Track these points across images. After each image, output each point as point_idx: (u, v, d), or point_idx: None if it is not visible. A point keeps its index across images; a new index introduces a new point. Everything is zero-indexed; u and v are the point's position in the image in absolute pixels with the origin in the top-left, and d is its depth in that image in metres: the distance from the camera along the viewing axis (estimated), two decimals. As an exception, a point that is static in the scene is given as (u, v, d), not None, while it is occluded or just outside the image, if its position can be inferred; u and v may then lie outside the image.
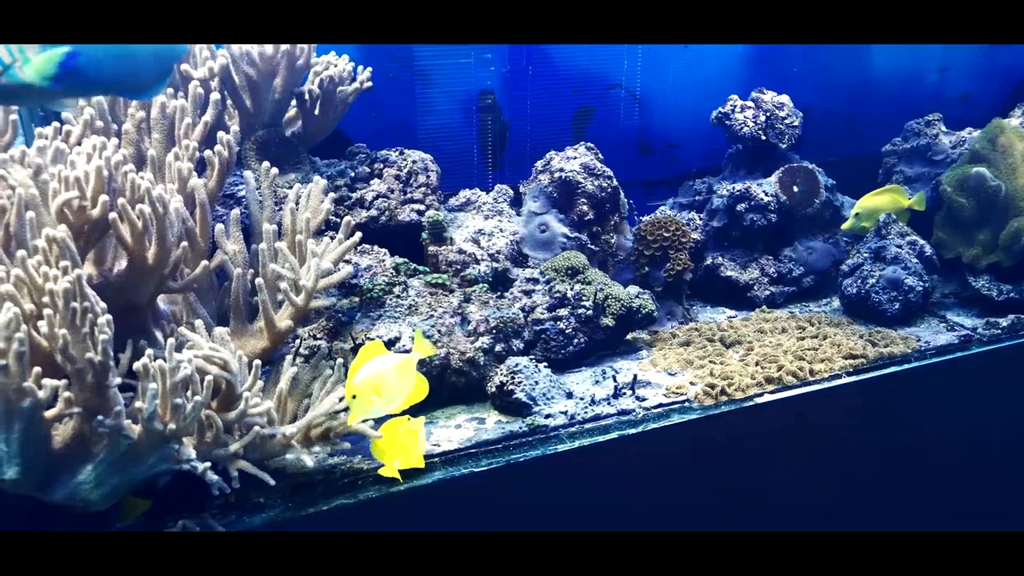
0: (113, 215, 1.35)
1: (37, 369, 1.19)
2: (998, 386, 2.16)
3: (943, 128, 2.58)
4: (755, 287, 2.37)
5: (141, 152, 1.70)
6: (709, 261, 2.41)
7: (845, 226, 2.37)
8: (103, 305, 1.26)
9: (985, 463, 2.26)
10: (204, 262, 1.55)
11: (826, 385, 1.93)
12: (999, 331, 2.17)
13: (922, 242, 2.27)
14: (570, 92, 2.67)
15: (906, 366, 2.01)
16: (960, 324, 2.23)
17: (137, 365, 1.24)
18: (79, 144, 1.48)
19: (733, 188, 2.37)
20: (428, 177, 2.13)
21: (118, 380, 1.27)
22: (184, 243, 1.50)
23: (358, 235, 1.73)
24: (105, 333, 1.21)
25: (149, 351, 1.24)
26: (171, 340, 1.24)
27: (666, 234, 2.24)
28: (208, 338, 1.47)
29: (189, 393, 1.30)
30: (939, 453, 2.16)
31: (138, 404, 1.26)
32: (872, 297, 2.20)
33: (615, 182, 2.30)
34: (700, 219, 2.45)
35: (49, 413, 1.23)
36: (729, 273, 2.38)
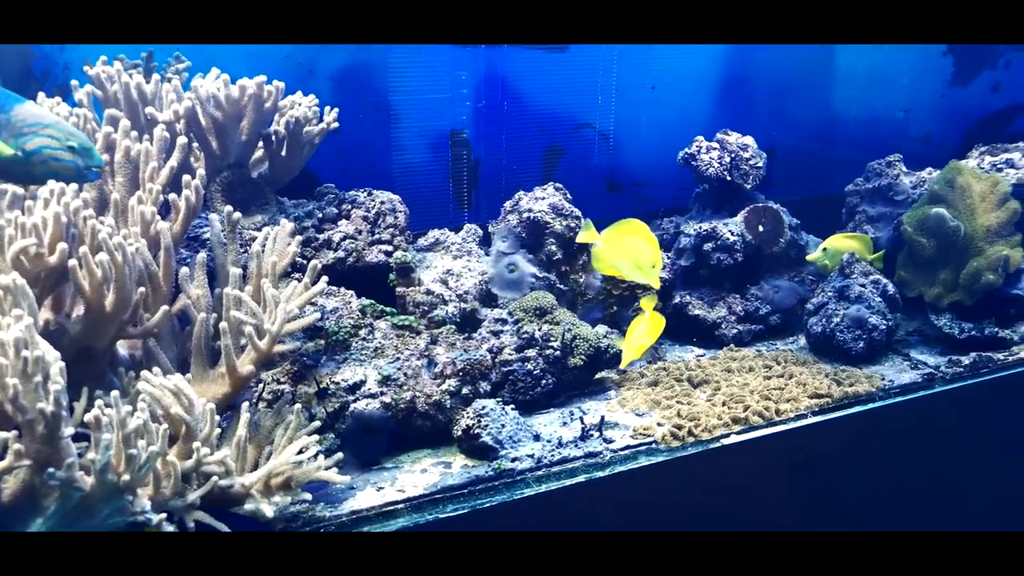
0: (72, 263, 1.35)
1: (-15, 421, 1.17)
2: (962, 424, 2.20)
3: (904, 168, 2.65)
4: (722, 325, 2.40)
5: (104, 195, 1.70)
6: (677, 300, 2.44)
7: (810, 257, 2.41)
8: (56, 353, 1.24)
9: (950, 501, 2.29)
10: (164, 307, 1.55)
11: (792, 425, 1.95)
12: (961, 369, 2.21)
13: (885, 281, 2.32)
14: (539, 131, 2.71)
15: (871, 405, 2.04)
16: (923, 362, 2.27)
17: (89, 416, 1.22)
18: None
19: (700, 227, 2.41)
20: (396, 218, 2.14)
21: (71, 430, 1.25)
22: (143, 289, 1.50)
23: (325, 279, 1.73)
24: (58, 383, 1.20)
25: (100, 401, 1.23)
26: (115, 393, 1.23)
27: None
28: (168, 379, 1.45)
29: (144, 443, 1.28)
30: (905, 492, 2.19)
31: (91, 455, 1.24)
32: (837, 336, 2.23)
33: (583, 222, 2.33)
34: (668, 258, 2.49)
35: (-1, 465, 1.21)
36: (697, 312, 2.41)
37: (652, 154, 2.83)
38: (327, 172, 2.43)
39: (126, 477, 1.26)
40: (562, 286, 2.29)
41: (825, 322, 2.26)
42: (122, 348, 1.63)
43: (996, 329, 2.29)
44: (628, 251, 1.81)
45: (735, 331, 2.40)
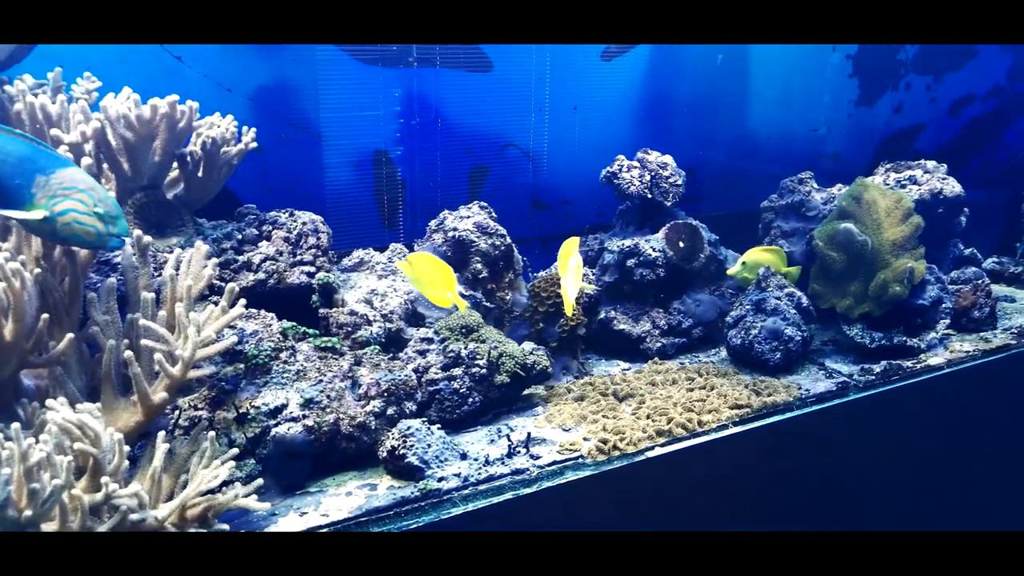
0: (-35, 291, 1.30)
1: None
2: (875, 430, 2.30)
3: (815, 185, 2.78)
4: (647, 339, 2.46)
5: (5, 220, 1.63)
6: (603, 315, 2.49)
7: (731, 271, 2.50)
8: (-50, 387, 1.19)
9: (867, 505, 2.39)
10: (69, 335, 1.50)
11: (714, 436, 2.01)
12: (873, 377, 2.32)
13: (799, 294, 2.42)
14: (465, 151, 2.74)
15: (789, 414, 2.12)
16: (838, 371, 2.37)
17: (-13, 450, 1.17)
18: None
19: (623, 244, 2.48)
20: (319, 238, 2.13)
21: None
22: (45, 316, 1.45)
23: (243, 302, 1.70)
24: (-50, 419, 1.15)
25: None
26: (15, 426, 1.18)
27: (559, 290, 2.30)
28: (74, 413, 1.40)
29: (48, 476, 1.23)
30: (822, 496, 2.28)
31: (-12, 492, 1.19)
32: (755, 347, 2.32)
33: (509, 240, 2.37)
34: (593, 274, 2.54)
35: None
36: (622, 327, 2.47)
37: (576, 173, 2.89)
38: (250, 192, 2.40)
39: (28, 512, 1.22)
40: (488, 304, 2.31)
41: (744, 334, 2.34)
42: (27, 377, 1.57)
43: (904, 338, 2.42)
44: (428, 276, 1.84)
45: (659, 344, 2.46)
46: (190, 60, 2.28)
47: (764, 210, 2.82)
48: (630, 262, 2.46)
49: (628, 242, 2.48)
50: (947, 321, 2.47)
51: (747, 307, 2.38)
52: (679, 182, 2.57)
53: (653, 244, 2.48)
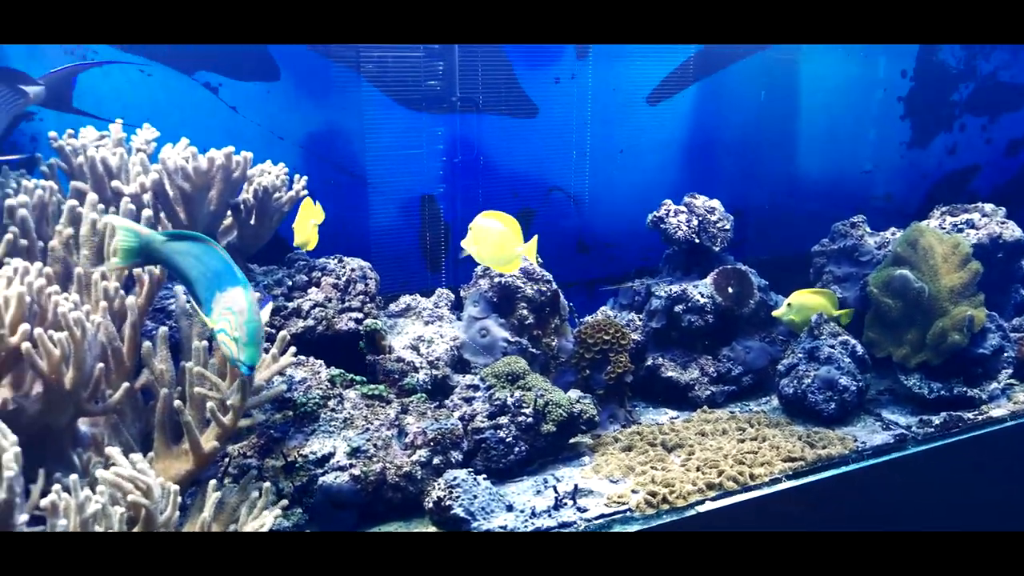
0: (26, 346, 1.33)
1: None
2: (935, 485, 2.21)
3: (868, 229, 2.73)
4: (696, 387, 2.42)
5: (68, 268, 1.68)
6: (650, 362, 2.46)
7: (777, 313, 2.45)
8: (12, 438, 1.22)
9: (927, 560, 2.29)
10: (126, 384, 1.53)
11: (767, 491, 1.95)
12: (932, 429, 2.24)
13: (854, 341, 2.36)
14: (511, 194, 2.76)
15: (844, 468, 2.06)
16: (895, 423, 2.30)
17: (45, 502, 1.19)
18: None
19: (670, 290, 2.45)
20: (367, 285, 2.15)
21: (24, 517, 1.21)
22: (101, 365, 1.48)
23: (292, 350, 1.72)
24: (11, 469, 1.17)
25: (57, 486, 1.20)
26: (73, 477, 1.20)
27: (606, 337, 2.29)
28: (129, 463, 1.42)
29: (102, 528, 1.25)
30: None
31: (45, 544, 1.21)
32: (808, 397, 2.26)
33: (554, 286, 2.36)
34: (640, 320, 2.51)
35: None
36: (670, 374, 2.43)
37: (621, 216, 2.89)
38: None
39: (81, 565, 1.23)
40: (534, 350, 2.30)
41: (796, 383, 2.29)
42: (83, 425, 1.60)
43: (964, 388, 2.34)
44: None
45: (708, 392, 2.42)
46: (244, 109, 2.35)
47: (815, 254, 2.77)
48: (678, 308, 2.44)
49: (676, 288, 2.46)
50: (1009, 371, 2.38)
51: (800, 355, 2.33)
52: (727, 227, 2.55)
53: (701, 290, 2.45)
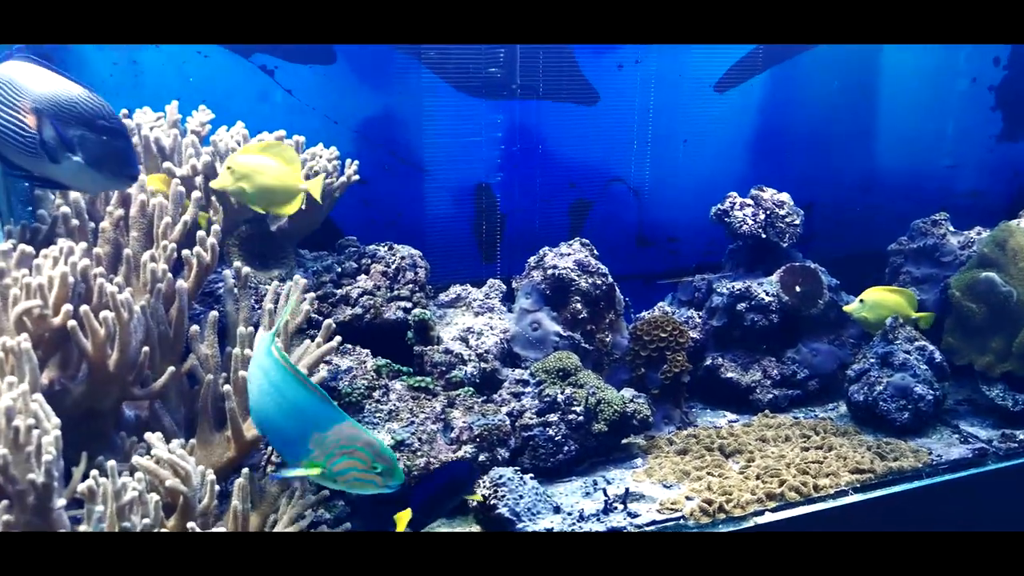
0: (72, 323, 1.32)
1: (-27, 490, 1.13)
2: (1016, 504, 2.05)
3: (951, 228, 2.54)
4: (757, 390, 2.30)
5: (119, 250, 1.68)
6: (709, 361, 2.35)
7: (848, 308, 2.30)
8: (55, 421, 1.21)
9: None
10: (170, 369, 1.51)
11: (831, 504, 1.83)
12: (1016, 444, 2.07)
13: (931, 347, 2.20)
14: (568, 184, 2.67)
15: (917, 483, 1.92)
16: (974, 435, 2.13)
17: (82, 487, 1.18)
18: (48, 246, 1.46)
19: (733, 287, 2.33)
20: (416, 273, 2.10)
21: (63, 501, 1.20)
22: (146, 348, 1.46)
23: (337, 339, 1.69)
24: (50, 453, 1.15)
25: (95, 471, 1.18)
26: (111, 463, 1.18)
27: (663, 334, 2.19)
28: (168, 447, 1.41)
29: (139, 516, 1.23)
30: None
31: (83, 527, 1.19)
32: (880, 405, 2.12)
33: (610, 279, 2.27)
34: (700, 317, 2.40)
35: (-14, 536, 1.16)
36: (730, 375, 2.32)
37: (684, 209, 2.77)
38: (352, 224, 2.42)
39: (117, 552, 1.21)
40: (587, 346, 2.22)
41: (867, 390, 2.14)
42: (129, 409, 1.60)
43: (1054, 401, 2.16)
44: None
45: (771, 396, 2.29)
46: (299, 93, 2.32)
47: (891, 253, 2.60)
48: (740, 306, 2.32)
49: (739, 285, 2.34)
50: (1106, 385, 2.18)
51: (872, 360, 2.18)
52: (796, 222, 2.41)
53: (766, 288, 2.32)
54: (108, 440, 1.53)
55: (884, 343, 2.20)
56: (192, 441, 1.51)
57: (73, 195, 1.63)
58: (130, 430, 1.57)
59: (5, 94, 1.31)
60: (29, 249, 1.40)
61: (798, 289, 2.32)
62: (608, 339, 2.27)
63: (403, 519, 1.49)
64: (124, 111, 1.88)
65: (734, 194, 2.45)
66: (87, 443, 1.48)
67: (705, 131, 2.75)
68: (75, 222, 1.61)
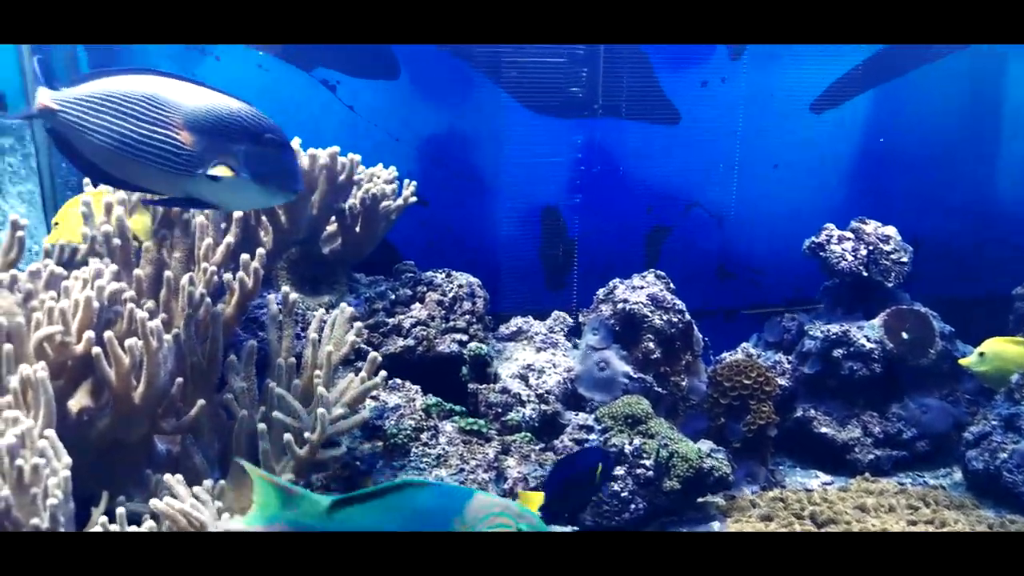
0: (96, 350, 1.24)
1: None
2: None
3: (1089, 270, 2.26)
4: (856, 449, 2.07)
5: (161, 271, 1.61)
6: (800, 413, 2.13)
7: (965, 362, 2.04)
8: (66, 460, 1.12)
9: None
10: (200, 402, 1.42)
11: (946, 592, 1.59)
12: None
13: (1067, 409, 1.93)
14: (644, 210, 2.51)
15: (1052, 572, 1.65)
16: (1121, 517, 1.84)
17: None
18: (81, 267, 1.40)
19: (828, 330, 2.12)
20: (474, 304, 1.97)
21: (69, 550, 1.11)
22: (179, 380, 1.38)
23: (382, 374, 1.57)
24: (56, 497, 1.06)
25: (104, 519, 1.09)
26: (120, 511, 1.09)
27: (746, 381, 1.99)
28: (189, 492, 1.31)
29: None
30: None
31: None
32: (1004, 476, 1.86)
33: (687, 317, 2.09)
34: (789, 362, 2.19)
35: (-12, 584, 1.08)
36: (824, 430, 2.09)
37: (771, 239, 2.56)
38: (411, 246, 2.32)
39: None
40: (660, 389, 2.03)
41: (988, 457, 1.89)
42: (161, 442, 1.51)
43: None
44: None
45: (871, 456, 2.06)
46: (361, 108, 2.25)
47: (1017, 298, 2.32)
48: (837, 352, 2.09)
49: (836, 328, 2.12)
50: None
51: (994, 422, 1.93)
52: (903, 259, 2.17)
53: (868, 333, 2.09)
54: (138, 475, 1.45)
55: (1009, 403, 1.94)
56: (220, 483, 1.41)
57: (117, 212, 1.57)
58: (161, 465, 1.49)
59: (152, 111, 1.24)
60: (59, 270, 1.34)
61: (905, 336, 2.08)
62: (684, 382, 2.08)
63: (534, 500, 1.45)
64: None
65: (831, 226, 2.24)
66: (115, 478, 1.40)
67: (798, 155, 2.54)
68: (117, 241, 1.55)
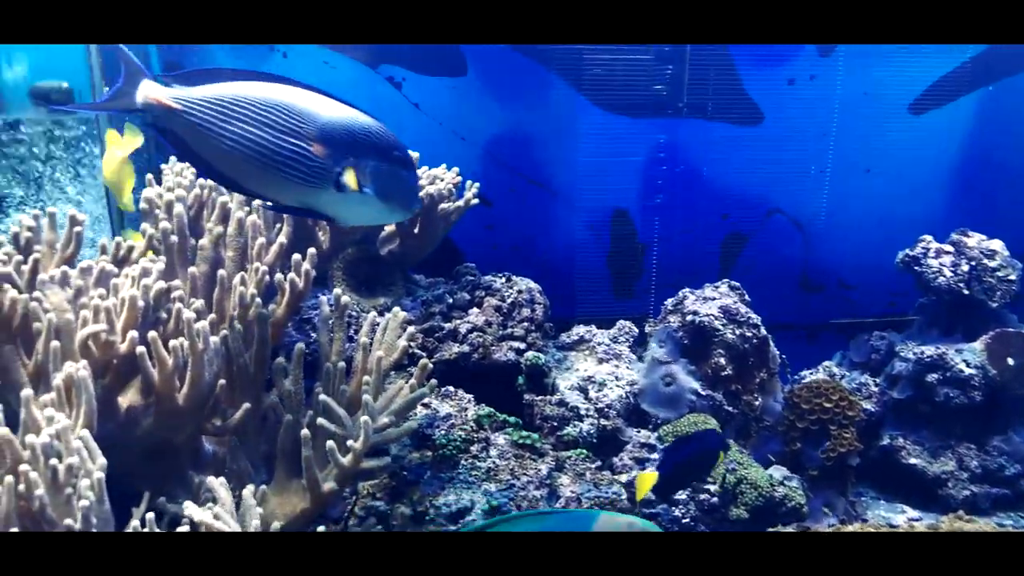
0: (140, 350, 1.24)
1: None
2: None
3: None
4: (949, 483, 1.90)
5: (216, 269, 1.61)
6: (886, 441, 1.97)
7: None
8: (101, 461, 1.11)
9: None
10: (245, 405, 1.41)
11: (1050, 655, 1.42)
12: None
13: None
14: (720, 216, 2.38)
15: None
16: None
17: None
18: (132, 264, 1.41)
19: (922, 352, 1.95)
20: (534, 310, 1.91)
21: (101, 553, 1.10)
22: (222, 382, 1.36)
23: (432, 383, 1.53)
24: (87, 499, 1.06)
25: (135, 523, 1.07)
26: (150, 515, 1.08)
27: (827, 404, 1.85)
28: (230, 496, 1.29)
29: None
30: None
31: None
32: (1124, 524, 1.66)
33: (763, 332, 1.96)
34: (876, 385, 2.03)
35: (24, 582, 1.09)
36: (913, 461, 1.93)
37: (861, 250, 2.40)
38: (474, 247, 2.28)
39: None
40: (730, 408, 1.92)
41: (1105, 502, 1.69)
42: (208, 442, 1.51)
43: None
44: None
45: (967, 493, 1.88)
46: (426, 106, 2.22)
47: None
48: (931, 377, 1.92)
49: (930, 350, 1.95)
50: None
51: (1113, 463, 1.73)
52: (1011, 276, 1.98)
53: (968, 357, 1.91)
54: (184, 475, 1.45)
55: None
56: (263, 488, 1.39)
57: (178, 210, 1.57)
58: (207, 466, 1.48)
59: (288, 121, 1.26)
60: (111, 267, 1.35)
61: (1011, 362, 1.89)
62: (757, 402, 1.95)
63: (647, 481, 1.50)
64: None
65: (928, 238, 2.06)
66: (161, 477, 1.41)
67: (894, 159, 2.36)
68: (174, 239, 1.56)
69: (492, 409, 1.72)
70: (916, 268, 2.04)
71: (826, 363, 2.20)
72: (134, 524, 1.14)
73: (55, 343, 1.22)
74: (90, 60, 1.78)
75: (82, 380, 1.17)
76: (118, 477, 1.34)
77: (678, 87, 2.25)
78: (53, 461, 1.05)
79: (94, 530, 1.08)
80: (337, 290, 1.62)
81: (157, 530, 1.10)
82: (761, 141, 2.33)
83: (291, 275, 1.52)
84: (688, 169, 2.33)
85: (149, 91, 1.26)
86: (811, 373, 2.15)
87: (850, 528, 1.81)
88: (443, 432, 1.66)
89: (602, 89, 2.25)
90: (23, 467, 1.05)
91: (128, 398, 1.36)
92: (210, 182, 1.70)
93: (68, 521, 1.06)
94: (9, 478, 1.05)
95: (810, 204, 2.39)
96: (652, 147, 2.31)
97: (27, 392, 1.13)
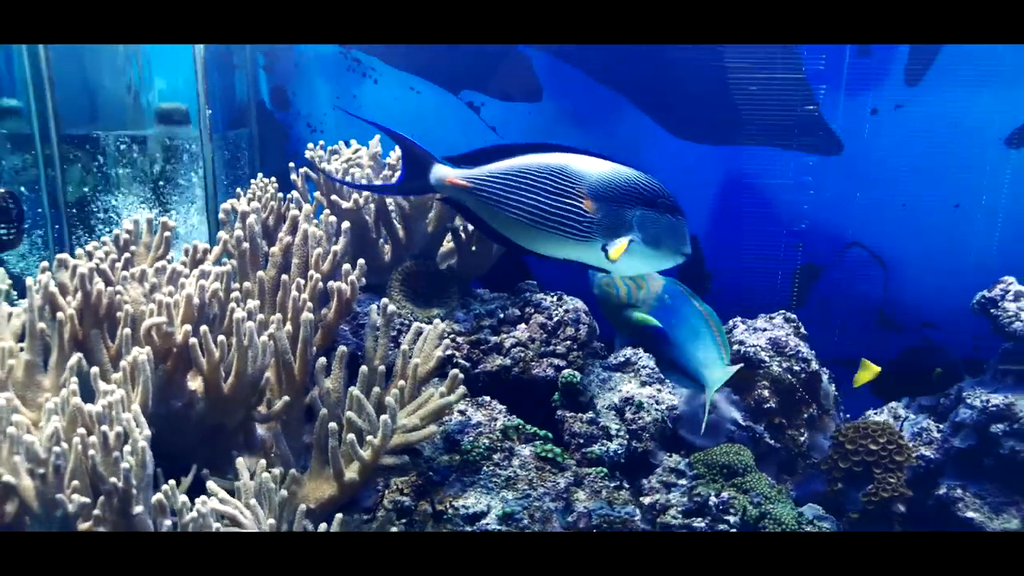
0: (192, 341, 1.45)
1: (75, 483, 1.28)
2: None
3: None
4: (1009, 543, 1.78)
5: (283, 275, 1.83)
6: (943, 491, 1.88)
7: None
8: (146, 432, 1.33)
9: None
10: (285, 398, 1.60)
11: None
12: None
13: None
14: (793, 246, 2.35)
15: None
16: None
17: (154, 499, 1.28)
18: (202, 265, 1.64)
19: (988, 401, 1.85)
20: (578, 330, 1.98)
21: (139, 508, 1.31)
22: (268, 375, 1.56)
23: (461, 390, 1.65)
24: (128, 462, 1.27)
25: (159, 496, 1.27)
26: (183, 498, 1.27)
27: (872, 446, 1.80)
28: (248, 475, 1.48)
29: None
30: None
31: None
32: None
33: (814, 366, 1.94)
34: (939, 431, 1.94)
35: (82, 525, 1.31)
36: (971, 514, 1.83)
37: (947, 289, 2.27)
38: (542, 266, 2.38)
39: None
40: (772, 442, 1.91)
41: None
42: (260, 428, 1.72)
43: None
44: None
45: (1027, 556, 1.76)
46: (503, 130, 2.36)
47: None
48: (997, 427, 1.82)
49: (998, 399, 1.84)
50: None
51: None
52: (1101, 326, 1.83)
53: (1036, 409, 1.79)
54: (232, 457, 1.66)
55: None
56: (293, 472, 1.57)
57: (250, 220, 1.80)
58: (257, 450, 1.69)
59: (562, 183, 1.49)
60: (181, 268, 1.58)
61: (1087, 418, 1.76)
62: (803, 438, 1.93)
63: (872, 371, 1.83)
64: (320, 143, 2.06)
65: (1010, 279, 1.95)
66: (214, 457, 1.62)
67: (987, 195, 2.23)
68: (245, 245, 1.79)
69: (521, 421, 1.82)
70: (992, 310, 1.93)
71: (893, 404, 2.12)
72: (165, 487, 1.34)
73: (127, 330, 1.47)
74: (198, 87, 2.07)
75: (141, 364, 1.40)
76: (179, 455, 1.57)
77: (754, 113, 2.25)
78: (104, 427, 1.27)
79: (134, 491, 1.29)
80: (385, 299, 1.78)
81: (180, 496, 1.29)
82: (841, 171, 2.28)
83: (339, 283, 1.70)
84: (760, 198, 2.32)
85: (442, 174, 1.51)
86: (875, 413, 2.08)
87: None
88: (471, 438, 1.78)
89: (675, 115, 2.30)
90: (80, 430, 1.28)
91: (186, 384, 1.59)
92: (295, 193, 1.92)
93: (113, 479, 1.28)
94: (76, 438, 1.29)
95: (893, 239, 2.31)
96: (724, 174, 2.32)
97: (94, 370, 1.37)
